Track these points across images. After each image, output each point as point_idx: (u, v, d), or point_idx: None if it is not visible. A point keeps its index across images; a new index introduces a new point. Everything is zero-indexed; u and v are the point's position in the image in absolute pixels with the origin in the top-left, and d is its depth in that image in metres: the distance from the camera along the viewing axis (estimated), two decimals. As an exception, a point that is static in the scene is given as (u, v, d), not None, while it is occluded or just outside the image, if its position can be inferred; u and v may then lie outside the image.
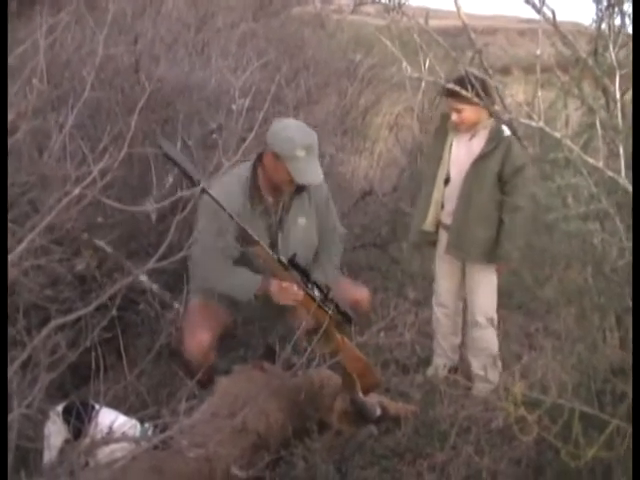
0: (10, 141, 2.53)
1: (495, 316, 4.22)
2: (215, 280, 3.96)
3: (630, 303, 2.47)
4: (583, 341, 2.98)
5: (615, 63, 2.59)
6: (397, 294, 5.57)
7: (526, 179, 4.01)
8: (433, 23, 3.30)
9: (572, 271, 2.98)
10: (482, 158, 4.12)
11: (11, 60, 2.66)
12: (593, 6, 2.76)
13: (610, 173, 2.43)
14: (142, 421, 3.31)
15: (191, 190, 3.24)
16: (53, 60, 4.55)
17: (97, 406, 3.12)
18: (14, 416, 2.27)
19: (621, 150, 2.50)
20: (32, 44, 2.77)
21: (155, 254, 2.56)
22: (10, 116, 2.59)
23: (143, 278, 4.46)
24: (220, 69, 5.59)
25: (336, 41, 11.58)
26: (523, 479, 3.40)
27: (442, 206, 4.33)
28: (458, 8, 2.53)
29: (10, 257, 2.26)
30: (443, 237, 4.37)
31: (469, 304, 4.39)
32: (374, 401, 3.83)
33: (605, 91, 2.72)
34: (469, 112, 4.05)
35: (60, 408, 3.26)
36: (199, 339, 3.99)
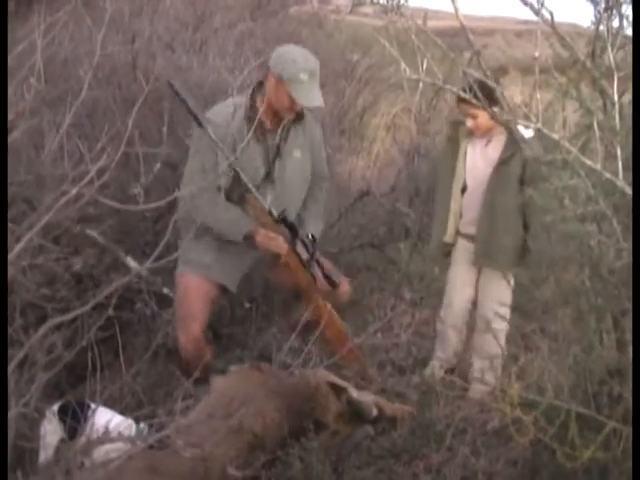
0: (8, 140, 2.53)
1: (508, 317, 4.18)
2: (207, 212, 3.92)
3: (627, 305, 2.47)
4: (579, 342, 2.97)
5: (613, 65, 2.59)
6: (394, 295, 5.56)
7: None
8: (431, 24, 3.29)
9: (569, 272, 2.97)
10: (503, 163, 4.06)
11: (9, 60, 2.66)
12: (591, 8, 2.76)
13: (608, 175, 2.43)
14: (138, 421, 3.31)
15: (187, 190, 3.24)
16: (50, 59, 4.55)
17: (93, 405, 3.13)
18: (11, 415, 2.27)
19: (619, 152, 2.50)
20: (29, 43, 2.77)
21: (150, 253, 2.56)
22: (8, 115, 2.59)
23: (135, 265, 4.43)
24: (218, 68, 5.58)
25: (334, 41, 11.57)
26: (519, 480, 3.41)
27: (460, 216, 4.29)
28: (456, 9, 2.53)
29: (8, 256, 2.26)
30: (461, 247, 4.34)
31: (482, 309, 4.34)
32: (370, 401, 3.83)
33: (603, 93, 2.72)
34: (484, 118, 4.00)
35: (56, 407, 3.25)
36: (192, 334, 4.02)
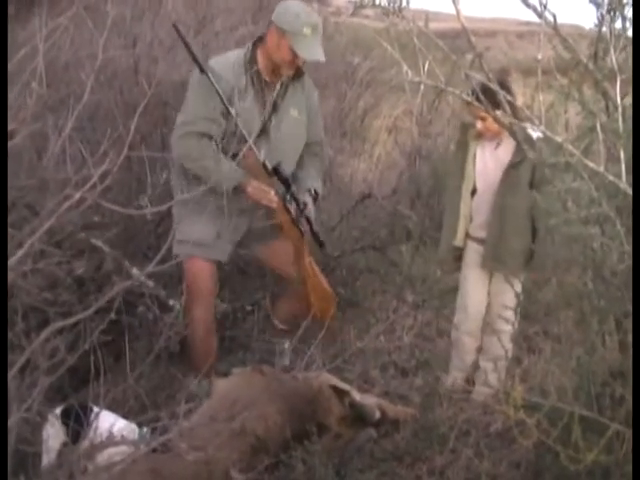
0: (9, 145, 2.53)
1: (513, 319, 4.16)
2: (198, 160, 3.92)
3: (630, 307, 2.47)
4: (582, 345, 2.97)
5: (616, 67, 2.59)
6: (396, 297, 5.56)
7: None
8: (431, 26, 3.30)
9: (572, 275, 2.97)
10: (513, 167, 4.03)
11: (10, 64, 2.66)
12: (594, 9, 2.76)
13: (611, 177, 2.43)
14: (140, 425, 3.31)
15: (191, 194, 3.24)
16: (52, 63, 4.55)
17: (96, 409, 3.13)
18: (13, 420, 2.27)
19: (622, 154, 2.49)
20: (31, 47, 2.77)
21: (153, 257, 2.56)
22: (9, 120, 2.59)
23: (141, 277, 4.45)
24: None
25: (334, 44, 11.56)
26: (522, 483, 3.40)
27: (470, 219, 4.29)
28: (458, 11, 2.52)
29: (10, 261, 2.26)
30: (471, 250, 4.32)
31: (491, 311, 4.32)
32: (373, 404, 3.83)
33: (605, 95, 2.71)
34: (491, 121, 3.97)
35: (58, 411, 3.25)
36: (204, 313, 4.22)
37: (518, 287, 4.08)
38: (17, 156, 3.33)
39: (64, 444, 3.19)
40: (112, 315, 2.63)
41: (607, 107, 2.86)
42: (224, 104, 3.81)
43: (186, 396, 3.38)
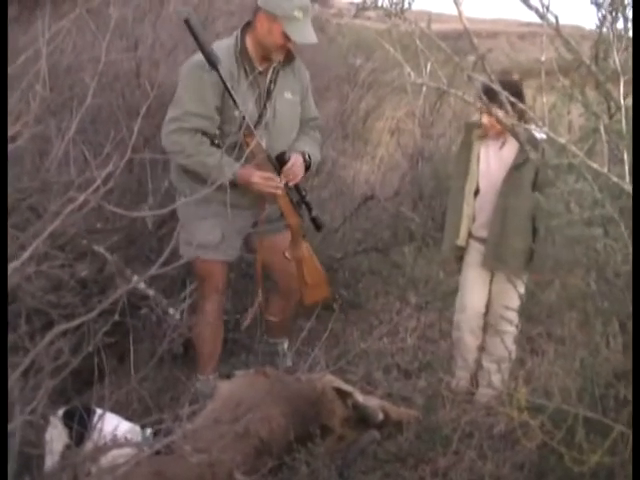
0: (12, 147, 2.53)
1: (516, 320, 4.15)
2: (194, 156, 3.87)
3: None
4: (586, 346, 2.97)
5: (619, 68, 2.59)
6: (399, 299, 5.56)
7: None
8: (433, 27, 3.29)
9: (575, 276, 2.97)
10: (517, 168, 4.03)
11: (13, 67, 2.66)
12: (595, 10, 2.76)
13: (614, 178, 2.43)
14: (143, 426, 3.31)
15: (194, 195, 3.24)
16: (54, 66, 4.55)
17: (99, 411, 3.13)
18: (17, 423, 2.27)
19: (625, 155, 2.49)
20: (33, 50, 2.77)
21: (155, 259, 2.56)
22: (12, 123, 2.59)
23: (141, 285, 4.47)
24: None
25: (336, 45, 11.58)
26: (526, 484, 3.40)
27: (473, 219, 4.29)
28: (460, 13, 2.53)
29: (14, 264, 2.26)
30: (473, 250, 4.32)
31: (493, 312, 4.32)
32: (376, 406, 3.83)
33: (607, 96, 2.71)
34: (501, 116, 3.93)
35: (60, 413, 3.25)
36: (215, 305, 4.25)
37: (521, 288, 4.09)
38: (20, 158, 3.33)
39: (67, 446, 3.19)
40: (116, 317, 2.62)
41: (609, 108, 2.86)
42: (232, 97, 3.79)
43: (190, 398, 3.37)
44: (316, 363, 4.14)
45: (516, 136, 3.27)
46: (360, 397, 3.80)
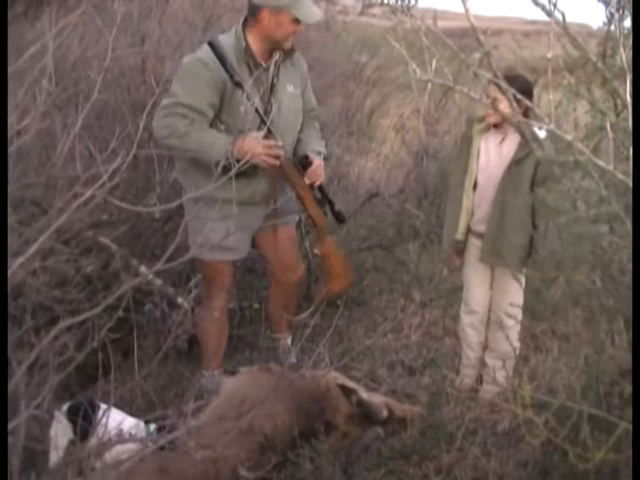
0: (18, 142, 2.53)
1: (520, 317, 4.15)
2: (187, 135, 3.85)
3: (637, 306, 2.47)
4: (591, 343, 2.97)
5: (626, 66, 2.58)
6: (403, 296, 5.56)
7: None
8: (439, 24, 3.28)
9: (580, 273, 2.96)
10: (516, 163, 4.03)
11: (20, 62, 2.66)
12: (602, 8, 2.76)
13: (620, 176, 2.42)
14: (147, 422, 3.32)
15: (197, 193, 3.23)
16: (61, 61, 4.56)
17: (103, 406, 3.14)
18: (23, 418, 2.27)
19: (631, 153, 2.49)
20: (40, 45, 2.77)
21: (160, 254, 2.56)
22: (19, 118, 2.59)
23: (149, 276, 4.47)
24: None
25: (342, 42, 11.58)
26: (530, 482, 3.40)
27: (472, 213, 4.30)
28: (467, 10, 2.52)
29: (19, 259, 2.26)
30: (473, 244, 4.33)
31: (495, 307, 4.32)
32: (380, 402, 3.83)
33: (614, 93, 2.71)
34: (504, 105, 3.90)
35: (65, 408, 3.26)
36: (222, 302, 4.27)
37: (522, 283, 4.10)
38: (26, 154, 3.34)
39: (71, 441, 3.20)
40: (120, 313, 2.62)
41: (616, 106, 2.86)
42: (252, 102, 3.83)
43: (194, 394, 3.38)
44: (320, 360, 4.14)
45: (519, 130, 3.27)
46: (364, 394, 3.81)
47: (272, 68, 4.03)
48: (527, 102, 2.67)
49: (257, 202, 4.09)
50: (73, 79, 4.80)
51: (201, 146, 3.80)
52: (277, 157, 3.92)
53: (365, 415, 3.75)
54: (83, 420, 3.15)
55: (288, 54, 4.07)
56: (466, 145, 4.26)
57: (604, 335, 2.90)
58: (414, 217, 6.35)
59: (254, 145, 3.84)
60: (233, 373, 3.96)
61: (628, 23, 2.68)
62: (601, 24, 2.76)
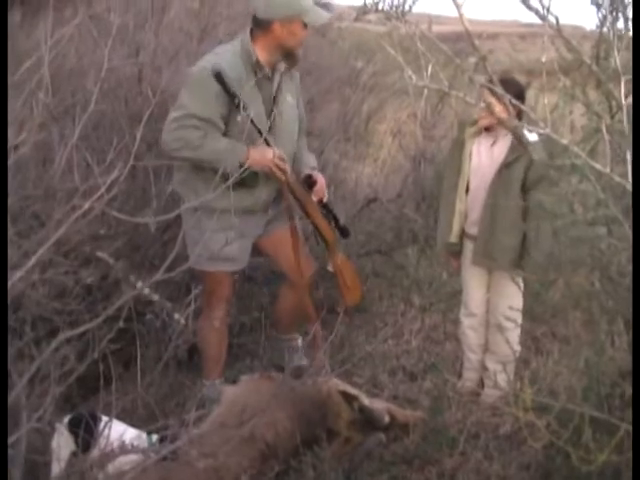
0: (16, 155, 2.53)
1: (519, 320, 4.16)
2: (200, 147, 3.86)
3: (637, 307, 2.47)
4: (591, 345, 2.97)
5: (619, 68, 2.59)
6: (403, 301, 5.56)
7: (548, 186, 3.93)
8: (434, 29, 3.29)
9: (579, 275, 2.97)
10: (507, 166, 4.06)
11: (17, 74, 2.66)
12: (595, 10, 2.76)
13: (617, 178, 2.43)
14: (149, 432, 3.31)
15: (196, 202, 3.24)
16: (57, 73, 4.56)
17: (104, 418, 3.13)
18: (24, 430, 2.27)
19: (628, 155, 2.49)
20: (36, 57, 2.78)
21: (159, 265, 2.56)
22: (16, 130, 2.59)
23: (146, 290, 4.47)
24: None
25: (338, 48, 11.59)
26: (532, 484, 3.40)
27: (466, 216, 4.31)
28: (461, 15, 2.53)
29: (18, 271, 2.26)
30: (468, 247, 4.34)
31: (493, 309, 4.32)
32: (382, 408, 3.83)
33: (609, 95, 2.71)
34: (499, 109, 3.90)
35: (66, 420, 3.26)
36: (221, 313, 4.27)
37: (520, 285, 4.10)
38: (24, 166, 3.34)
39: (73, 453, 3.20)
40: (120, 323, 2.62)
41: (611, 108, 2.86)
42: (240, 104, 3.82)
43: (195, 403, 3.38)
44: (321, 366, 4.14)
45: (515, 134, 3.27)
46: (366, 400, 3.81)
47: (277, 79, 4.06)
48: (521, 106, 2.68)
49: (257, 211, 4.11)
50: (70, 90, 4.80)
51: (216, 156, 3.81)
52: (283, 171, 3.98)
53: (367, 421, 3.75)
54: (85, 432, 3.15)
55: (292, 64, 4.11)
56: (458, 149, 4.29)
57: (604, 337, 2.90)
58: (413, 222, 6.35)
59: (264, 155, 3.91)
60: (234, 382, 3.96)
61: (621, 25, 2.68)
62: (594, 26, 2.75)
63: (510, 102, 2.85)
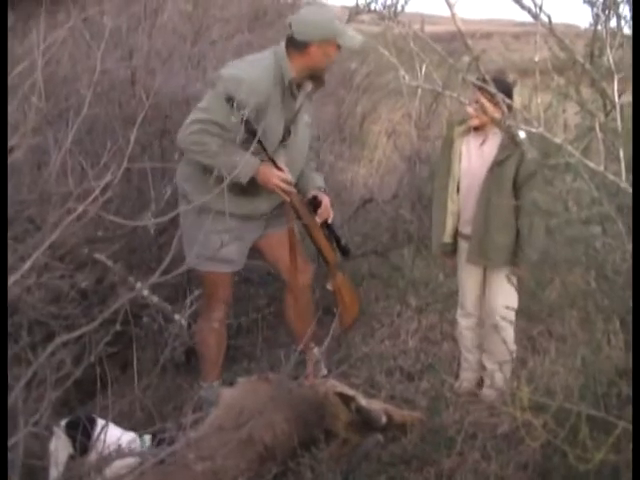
0: (10, 159, 2.53)
1: (514, 319, 4.16)
2: (217, 155, 3.87)
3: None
4: (587, 344, 2.97)
5: (613, 67, 2.59)
6: (399, 301, 5.56)
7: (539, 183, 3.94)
8: (427, 29, 3.29)
9: (574, 274, 2.97)
10: (498, 165, 4.07)
11: (10, 78, 2.66)
12: (588, 8, 2.76)
13: (611, 176, 2.43)
14: (141, 434, 3.32)
15: (191, 205, 3.24)
16: (50, 77, 4.55)
17: (101, 421, 3.13)
18: (21, 435, 2.26)
19: (621, 153, 2.50)
20: (29, 61, 2.77)
21: (156, 267, 2.56)
22: (10, 134, 2.59)
23: (145, 292, 4.48)
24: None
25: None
26: (530, 484, 3.40)
27: (459, 216, 4.31)
28: (454, 15, 2.53)
29: (14, 276, 2.26)
30: (463, 247, 4.35)
31: (489, 309, 4.33)
32: (380, 409, 3.83)
33: (602, 94, 2.71)
34: (490, 109, 3.91)
35: (63, 423, 3.26)
36: (220, 316, 4.30)
37: (514, 284, 4.10)
38: (18, 170, 3.33)
39: (71, 456, 3.20)
40: (117, 327, 2.62)
41: (605, 106, 2.86)
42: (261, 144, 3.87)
43: (193, 406, 3.37)
44: (318, 368, 4.14)
45: (508, 133, 3.28)
46: (363, 401, 3.81)
47: (301, 98, 4.11)
48: (511, 104, 2.69)
49: (257, 218, 4.15)
50: (63, 94, 4.79)
51: (230, 167, 3.78)
52: (287, 193, 4.03)
53: (364, 422, 3.75)
54: (82, 435, 3.15)
55: (319, 86, 4.20)
56: (447, 148, 4.30)
57: (600, 335, 2.91)
58: (408, 222, 6.34)
59: (270, 175, 3.97)
60: (231, 384, 3.96)
61: (614, 23, 2.68)
62: (588, 25, 2.75)
63: (502, 101, 2.85)
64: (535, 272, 3.95)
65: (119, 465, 2.86)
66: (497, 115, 3.55)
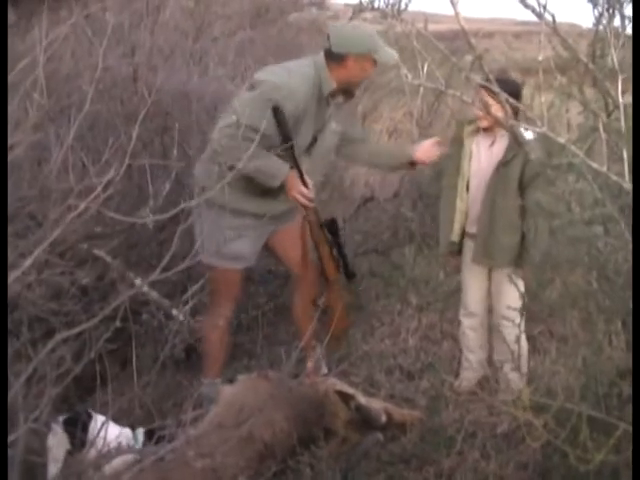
0: (11, 155, 2.53)
1: (518, 320, 4.15)
2: (248, 158, 3.81)
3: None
4: (588, 344, 2.97)
5: (617, 66, 2.59)
6: (400, 300, 5.55)
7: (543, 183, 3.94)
8: (429, 27, 3.29)
9: (576, 275, 2.97)
10: (504, 165, 4.07)
11: (11, 75, 2.66)
12: (591, 8, 2.75)
13: (614, 177, 2.42)
14: (133, 428, 3.32)
15: (193, 201, 3.23)
16: (52, 73, 4.55)
17: (99, 417, 3.14)
18: (21, 431, 2.26)
19: (624, 154, 2.49)
20: (31, 58, 2.77)
21: (156, 264, 2.56)
22: (11, 131, 2.59)
23: (145, 288, 4.47)
24: (218, 77, 5.59)
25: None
26: (530, 484, 3.39)
27: (467, 215, 4.31)
28: (457, 14, 2.52)
29: (14, 272, 2.26)
30: (469, 246, 4.34)
31: (495, 309, 4.33)
32: (379, 407, 3.83)
33: (605, 94, 2.71)
34: (495, 109, 3.90)
35: (61, 419, 3.26)
36: (226, 313, 4.30)
37: (519, 285, 4.09)
38: (19, 166, 3.33)
39: (69, 452, 3.20)
40: (117, 323, 2.62)
41: (607, 106, 2.86)
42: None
43: (193, 403, 3.37)
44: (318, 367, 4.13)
45: (513, 133, 3.27)
46: (363, 399, 3.81)
47: (332, 108, 4.14)
48: (518, 105, 2.68)
49: (277, 216, 4.17)
50: (65, 91, 4.79)
51: (263, 171, 3.93)
52: (305, 207, 4.12)
53: (364, 420, 3.75)
54: (78, 431, 3.15)
55: (349, 97, 4.24)
56: (457, 147, 4.29)
57: (601, 336, 2.90)
58: (409, 221, 6.34)
59: (294, 187, 4.02)
60: (231, 381, 3.95)
61: (618, 22, 2.67)
62: (591, 24, 2.75)
63: (507, 101, 2.84)
64: (536, 272, 3.95)
65: (118, 462, 2.86)
66: (500, 115, 3.55)
